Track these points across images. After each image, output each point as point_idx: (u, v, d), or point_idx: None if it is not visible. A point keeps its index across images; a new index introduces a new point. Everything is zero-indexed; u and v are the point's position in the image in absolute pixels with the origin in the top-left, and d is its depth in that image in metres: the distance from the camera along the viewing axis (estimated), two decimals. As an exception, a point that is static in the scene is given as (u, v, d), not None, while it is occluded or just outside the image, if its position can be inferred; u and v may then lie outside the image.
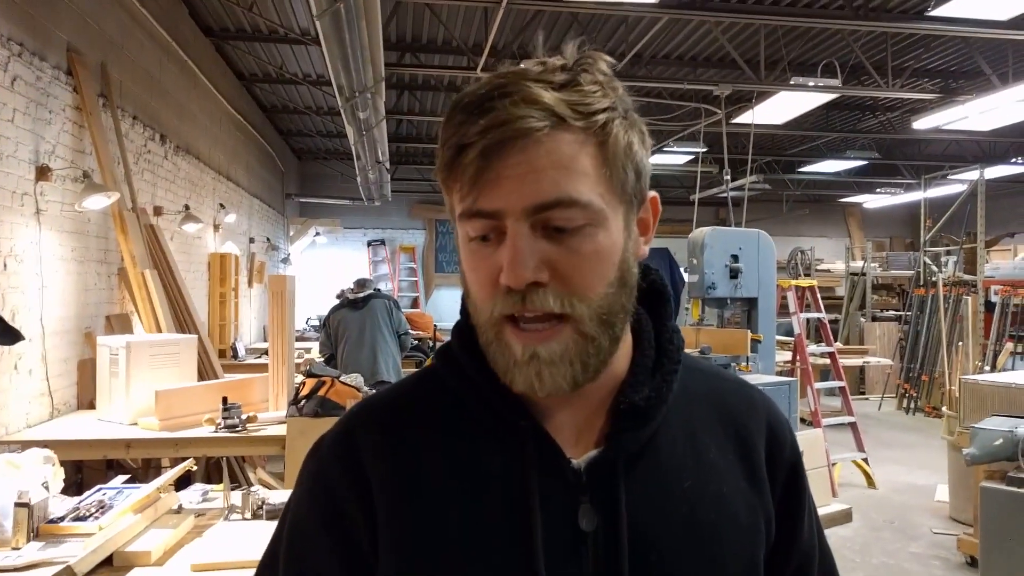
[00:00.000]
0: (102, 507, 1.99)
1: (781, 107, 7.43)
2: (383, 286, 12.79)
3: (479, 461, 0.69)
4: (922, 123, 7.91)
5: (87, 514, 1.94)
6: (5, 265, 3.18)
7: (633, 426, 0.69)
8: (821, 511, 5.13)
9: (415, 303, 13.89)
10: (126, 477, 2.28)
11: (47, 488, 1.94)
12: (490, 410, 0.69)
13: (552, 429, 0.69)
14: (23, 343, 3.13)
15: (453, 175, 0.64)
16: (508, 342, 0.65)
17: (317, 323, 10.11)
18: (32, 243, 3.41)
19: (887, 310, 11.68)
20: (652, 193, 0.71)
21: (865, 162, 11.37)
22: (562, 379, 0.64)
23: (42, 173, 3.47)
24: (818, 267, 13.09)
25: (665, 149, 9.88)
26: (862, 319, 11.12)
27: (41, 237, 3.49)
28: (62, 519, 1.92)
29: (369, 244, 14.14)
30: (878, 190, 13.36)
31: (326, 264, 13.50)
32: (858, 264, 11.76)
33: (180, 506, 2.15)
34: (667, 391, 0.71)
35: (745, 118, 7.71)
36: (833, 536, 4.92)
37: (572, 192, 0.62)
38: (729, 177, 6.94)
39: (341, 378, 3.45)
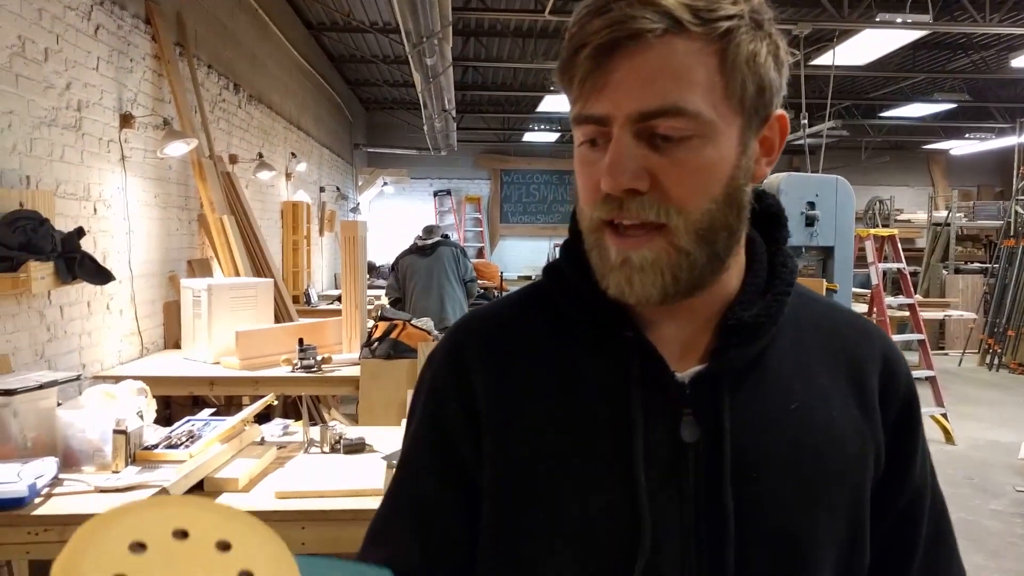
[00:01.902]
0: (191, 437, 2.10)
1: (864, 46, 7.03)
2: (450, 235, 12.89)
3: (582, 371, 0.69)
4: (1021, 61, 7.39)
5: (178, 443, 2.05)
6: (95, 209, 3.32)
7: (740, 343, 0.67)
8: (895, 465, 5.01)
9: (480, 253, 13.96)
10: (212, 410, 2.39)
11: (142, 417, 2.05)
12: (595, 321, 0.69)
13: (657, 342, 0.68)
14: (114, 284, 3.28)
15: (568, 76, 0.62)
16: (606, 246, 0.64)
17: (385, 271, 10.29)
18: (119, 189, 3.55)
19: (972, 262, 11.14)
20: (780, 111, 0.67)
21: (954, 105, 10.72)
22: (651, 287, 0.63)
23: (126, 120, 3.58)
24: (897, 217, 12.55)
25: (738, 94, 9.54)
26: (944, 271, 10.65)
27: (127, 183, 3.62)
28: (156, 447, 2.03)
29: (435, 194, 14.22)
30: (967, 135, 12.62)
31: (394, 214, 13.67)
32: (941, 214, 11.21)
33: (263, 438, 2.24)
34: (777, 312, 0.69)
35: (825, 59, 7.33)
36: (907, 490, 4.82)
37: (680, 101, 0.59)
38: (806, 123, 6.65)
39: (412, 321, 3.51)
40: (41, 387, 1.92)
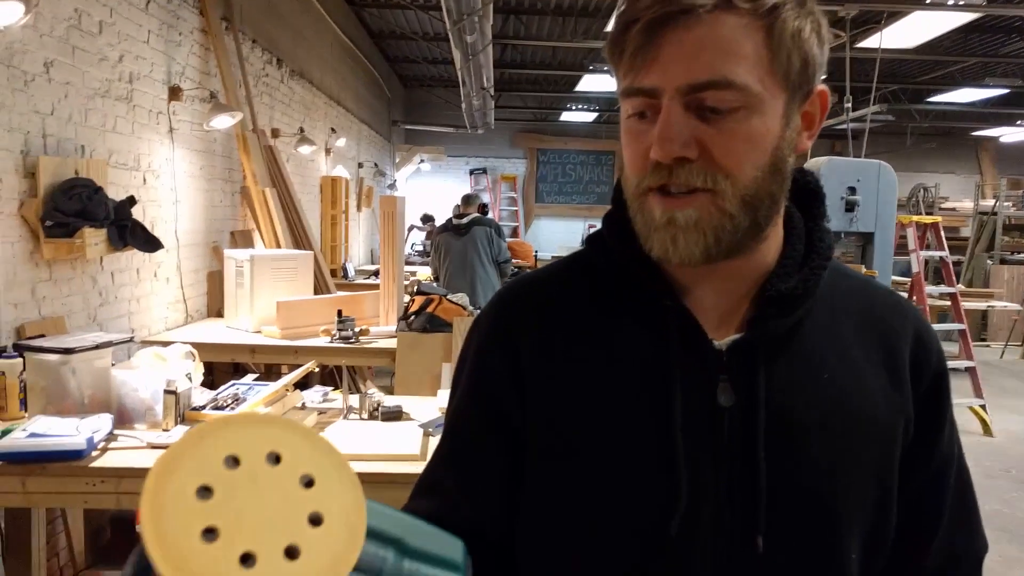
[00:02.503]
0: (236, 399, 2.18)
1: (913, 29, 6.85)
2: (487, 206, 12.91)
3: (622, 337, 0.72)
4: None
5: (224, 404, 2.13)
6: (145, 179, 3.42)
7: (778, 313, 0.70)
8: (929, 455, 4.97)
9: (515, 232, 13.98)
10: (255, 376, 2.47)
11: (190, 379, 2.13)
12: (636, 289, 0.72)
13: (696, 311, 0.70)
14: (161, 253, 3.38)
15: (618, 51, 0.65)
16: (651, 206, 0.66)
17: (420, 248, 10.40)
18: (167, 160, 3.64)
19: (1018, 252, 10.86)
20: (822, 87, 0.69)
21: (1006, 91, 10.40)
22: (695, 246, 0.65)
23: (174, 93, 3.67)
24: (942, 205, 12.26)
25: (781, 76, 9.37)
26: (988, 261, 10.41)
27: (174, 154, 3.72)
28: (203, 408, 2.11)
29: (471, 173, 14.25)
30: (1019, 122, 12.24)
31: (430, 192, 13.74)
32: (988, 203, 10.92)
33: (303, 404, 2.32)
34: (813, 284, 0.71)
35: (872, 42, 7.17)
36: (941, 481, 4.77)
37: (728, 74, 0.62)
38: (850, 106, 6.52)
39: (448, 296, 3.57)
40: (97, 347, 2.01)
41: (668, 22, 0.61)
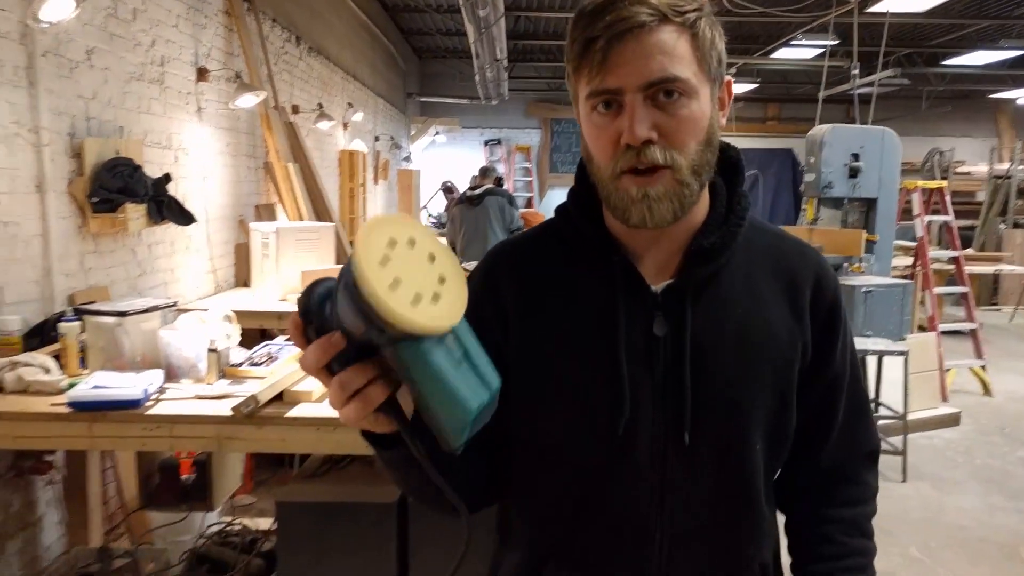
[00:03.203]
0: (270, 357, 2.42)
1: (924, -7, 6.88)
2: (503, 178, 13.07)
3: (583, 285, 0.93)
4: (1090, 8, 7.10)
5: (260, 361, 2.37)
6: (176, 157, 3.65)
7: (701, 263, 0.90)
8: (929, 414, 5.16)
9: (529, 203, 14.13)
10: (288, 336, 2.70)
11: (229, 339, 2.37)
12: (592, 249, 0.93)
13: (638, 264, 0.92)
14: (192, 226, 3.61)
15: (584, 62, 0.84)
16: (626, 187, 0.85)
17: (435, 220, 10.62)
18: (196, 138, 3.87)
19: (1032, 216, 10.85)
20: (728, 77, 0.90)
21: (1021, 52, 10.32)
22: (667, 212, 0.85)
23: (201, 74, 3.88)
24: (957, 169, 12.22)
25: (792, 42, 9.38)
26: (1002, 225, 10.43)
27: (202, 132, 3.94)
28: (241, 364, 2.35)
29: (486, 143, 14.37)
30: (1036, 85, 12.12)
31: (445, 163, 13.89)
32: (1003, 166, 10.90)
33: (330, 362, 2.55)
34: (731, 239, 0.92)
35: (881, 6, 7.19)
36: (937, 438, 4.97)
37: (674, 71, 0.82)
38: (857, 72, 6.59)
39: (462, 264, 3.78)
40: (147, 311, 2.25)
41: (623, 36, 0.81)
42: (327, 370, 0.68)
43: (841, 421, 0.99)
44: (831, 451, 1.00)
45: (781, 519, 1.05)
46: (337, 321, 0.66)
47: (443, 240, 6.23)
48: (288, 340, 2.73)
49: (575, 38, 0.85)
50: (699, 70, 0.84)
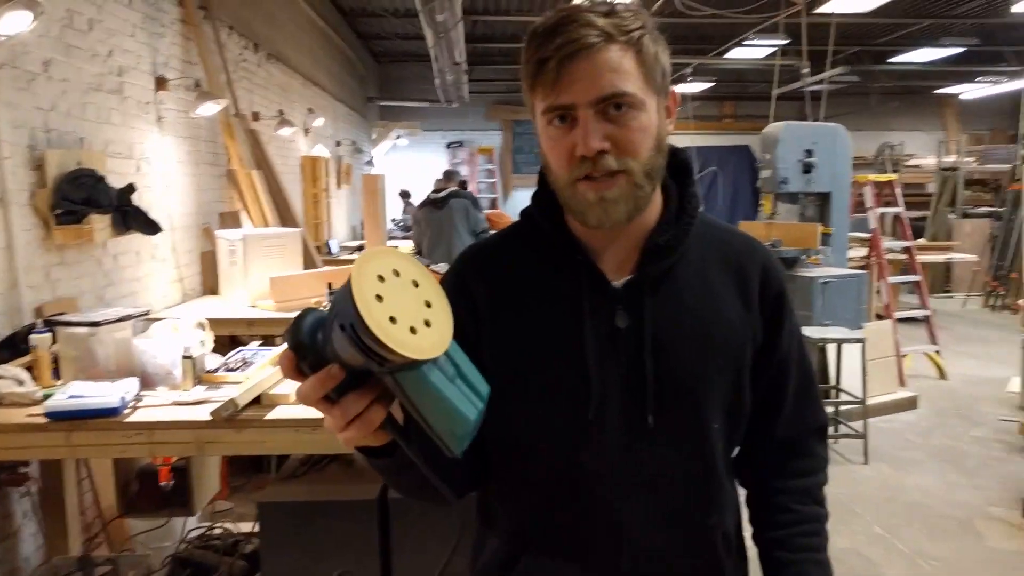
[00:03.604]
0: (245, 363, 2.43)
1: (869, -7, 7.11)
2: (467, 181, 13.14)
3: (549, 284, 0.99)
4: (1021, 7, 7.42)
5: (235, 367, 2.38)
6: (139, 167, 3.62)
7: (657, 259, 0.97)
8: (887, 398, 5.34)
9: (493, 204, 14.20)
10: (260, 342, 2.72)
11: (203, 346, 2.38)
12: (556, 249, 0.99)
13: (600, 263, 0.98)
14: (157, 235, 3.59)
15: (539, 81, 0.90)
16: (583, 192, 0.92)
17: (402, 223, 10.63)
18: (157, 147, 3.84)
19: (980, 206, 11.26)
20: (672, 88, 0.97)
21: (963, 49, 10.70)
22: (621, 212, 0.92)
23: (160, 83, 3.86)
24: (908, 163, 12.61)
25: (745, 43, 9.59)
26: (951, 216, 10.79)
27: (163, 142, 3.91)
28: (216, 370, 2.36)
29: (448, 146, 14.40)
30: (978, 79, 12.56)
31: (408, 166, 13.89)
32: (950, 159, 11.29)
33: (305, 365, 2.57)
34: (683, 236, 0.99)
35: (827, 7, 7.41)
36: (896, 421, 5.14)
37: (622, 86, 0.88)
38: (807, 71, 6.78)
39: (431, 266, 3.82)
40: (120, 320, 2.25)
41: (574, 56, 0.87)
42: (325, 399, 0.71)
43: (791, 399, 1.07)
44: (783, 427, 1.07)
45: (743, 493, 1.12)
46: (333, 354, 0.69)
47: (410, 244, 6.30)
48: (262, 345, 2.75)
49: (529, 58, 0.91)
50: (645, 84, 0.90)
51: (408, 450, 0.76)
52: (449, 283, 1.03)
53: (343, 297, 0.67)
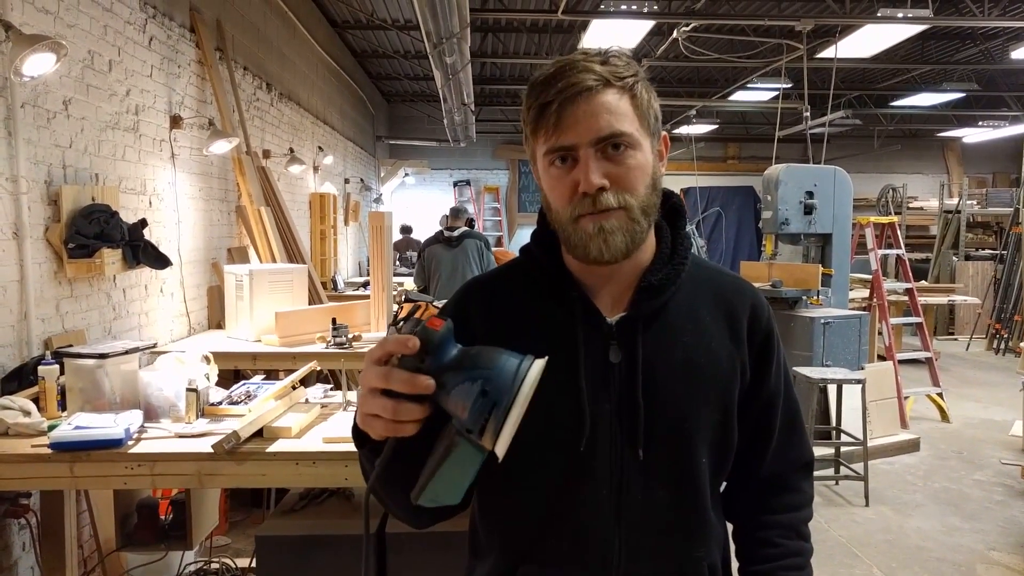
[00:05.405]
0: (248, 396, 2.47)
1: (868, 40, 7.23)
2: (474, 220, 13.25)
3: (545, 318, 1.04)
4: (1022, 53, 7.56)
5: (239, 400, 2.42)
6: (151, 203, 3.71)
7: (650, 297, 1.02)
8: (889, 440, 5.33)
9: (499, 242, 14.31)
10: (263, 376, 2.76)
11: (208, 379, 2.42)
12: (554, 285, 1.04)
13: (595, 299, 1.03)
14: (166, 270, 3.66)
15: (541, 123, 0.96)
16: (583, 226, 0.97)
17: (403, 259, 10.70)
18: (169, 183, 3.94)
19: (983, 249, 11.30)
20: (663, 132, 1.03)
21: (963, 94, 10.85)
22: (621, 244, 0.97)
23: (175, 122, 3.97)
24: (910, 205, 12.69)
25: (748, 85, 9.76)
26: (954, 258, 10.83)
27: (176, 178, 4.01)
28: (220, 403, 2.40)
29: (455, 184, 14.58)
30: (980, 123, 12.71)
31: (415, 204, 14.05)
32: (953, 201, 11.36)
33: (307, 399, 2.61)
34: (676, 276, 1.04)
35: (829, 52, 7.56)
36: (898, 463, 5.12)
37: (620, 127, 0.95)
38: (808, 114, 6.90)
39: (434, 303, 3.87)
40: (127, 352, 2.30)
41: (574, 99, 0.94)
42: (388, 391, 0.81)
43: (777, 435, 1.11)
44: (769, 463, 1.11)
45: (730, 527, 1.15)
46: (448, 386, 0.80)
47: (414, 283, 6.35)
48: (265, 379, 2.79)
49: (531, 104, 0.98)
50: (640, 126, 0.97)
51: (391, 465, 0.86)
52: (450, 312, 1.08)
53: (502, 370, 0.80)
